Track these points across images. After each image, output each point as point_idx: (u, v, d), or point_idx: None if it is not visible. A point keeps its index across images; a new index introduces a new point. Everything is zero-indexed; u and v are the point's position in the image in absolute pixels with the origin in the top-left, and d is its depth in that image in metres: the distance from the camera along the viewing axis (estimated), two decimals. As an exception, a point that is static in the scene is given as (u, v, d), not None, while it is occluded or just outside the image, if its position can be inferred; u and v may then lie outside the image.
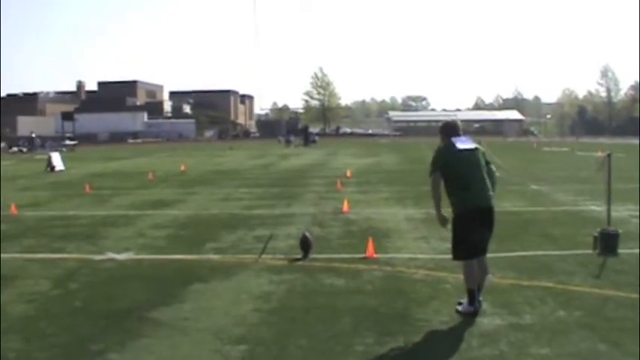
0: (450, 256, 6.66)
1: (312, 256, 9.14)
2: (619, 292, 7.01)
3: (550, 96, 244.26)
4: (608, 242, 8.98)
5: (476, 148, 6.38)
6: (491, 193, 6.28)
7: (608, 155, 9.73)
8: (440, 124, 6.64)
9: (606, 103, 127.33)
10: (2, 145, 69.40)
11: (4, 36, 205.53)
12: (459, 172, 6.20)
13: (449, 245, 6.54)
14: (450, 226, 6.38)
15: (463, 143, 6.31)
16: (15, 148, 67.50)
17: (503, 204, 14.95)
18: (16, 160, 44.17)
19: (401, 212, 13.82)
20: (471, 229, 6.15)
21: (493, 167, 6.57)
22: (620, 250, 8.94)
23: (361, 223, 12.39)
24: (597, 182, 13.43)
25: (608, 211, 9.61)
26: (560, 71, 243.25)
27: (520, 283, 7.50)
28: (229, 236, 11.13)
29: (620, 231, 9.25)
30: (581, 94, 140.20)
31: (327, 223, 12.38)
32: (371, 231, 10.99)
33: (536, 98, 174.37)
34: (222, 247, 10.19)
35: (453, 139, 6.33)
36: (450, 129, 6.45)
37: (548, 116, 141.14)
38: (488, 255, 6.56)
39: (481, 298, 6.33)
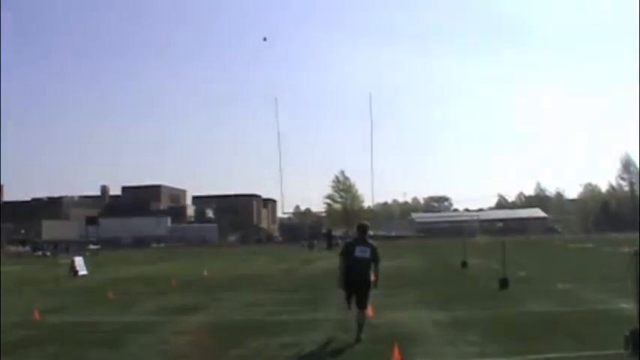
0: None
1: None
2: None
3: (572, 191, 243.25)
4: (640, 342, 8.74)
5: (366, 250, 10.60)
6: (367, 275, 10.51)
7: (635, 252, 9.62)
8: (361, 223, 11.23)
9: (630, 198, 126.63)
10: (27, 248, 70.45)
11: (30, 140, 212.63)
12: (351, 261, 10.55)
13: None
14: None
15: (360, 251, 10.55)
16: (39, 252, 68.45)
17: (529, 304, 14.73)
18: (40, 264, 44.47)
19: (427, 316, 13.59)
20: (349, 289, 10.66)
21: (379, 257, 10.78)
22: (653, 351, 8.68)
23: (386, 327, 12.19)
24: (625, 279, 13.21)
25: (638, 309, 9.41)
26: (581, 167, 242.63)
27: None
28: (254, 343, 11.01)
29: (652, 330, 9.00)
30: (603, 187, 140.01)
31: (353, 329, 12.19)
32: (396, 336, 10.79)
33: (559, 195, 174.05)
34: (247, 354, 10.05)
35: (356, 247, 10.66)
36: (363, 228, 11.03)
37: (571, 216, 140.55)
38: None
39: (363, 336, 10.47)
